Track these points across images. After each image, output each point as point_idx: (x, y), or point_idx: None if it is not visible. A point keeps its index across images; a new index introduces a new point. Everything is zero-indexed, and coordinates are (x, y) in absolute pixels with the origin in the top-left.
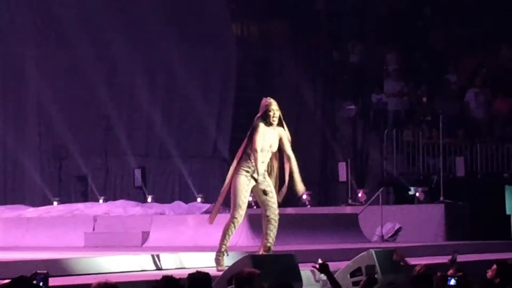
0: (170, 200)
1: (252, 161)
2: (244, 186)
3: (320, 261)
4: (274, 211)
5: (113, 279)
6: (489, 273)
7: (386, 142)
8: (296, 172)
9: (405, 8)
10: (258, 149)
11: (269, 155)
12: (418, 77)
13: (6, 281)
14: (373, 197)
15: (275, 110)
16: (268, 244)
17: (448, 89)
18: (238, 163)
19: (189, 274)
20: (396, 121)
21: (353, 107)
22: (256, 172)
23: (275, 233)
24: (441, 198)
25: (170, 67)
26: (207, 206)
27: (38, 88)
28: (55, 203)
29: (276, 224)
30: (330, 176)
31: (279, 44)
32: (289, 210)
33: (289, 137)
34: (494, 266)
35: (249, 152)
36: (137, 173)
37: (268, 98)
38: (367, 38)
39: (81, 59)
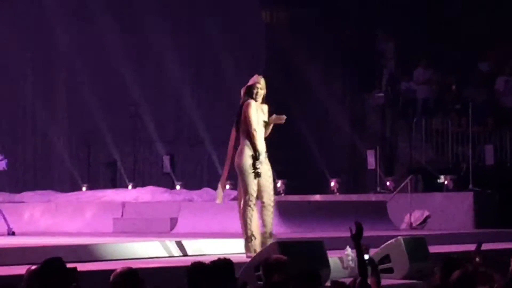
0: (198, 187)
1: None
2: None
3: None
4: (270, 197)
5: (141, 264)
6: None
7: (414, 130)
8: None
9: None
10: (255, 127)
11: (263, 131)
12: (447, 65)
13: (34, 266)
14: (402, 185)
15: (259, 88)
16: (269, 231)
17: (477, 77)
18: (242, 144)
19: (212, 261)
20: (425, 109)
21: (382, 94)
22: (257, 152)
23: (272, 217)
24: (470, 187)
25: (199, 53)
26: (235, 193)
27: (68, 72)
28: (84, 188)
29: (272, 210)
30: (359, 163)
31: (308, 31)
32: (318, 197)
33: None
34: None
35: (247, 132)
36: (166, 159)
37: (260, 76)
38: (397, 26)
39: (111, 44)
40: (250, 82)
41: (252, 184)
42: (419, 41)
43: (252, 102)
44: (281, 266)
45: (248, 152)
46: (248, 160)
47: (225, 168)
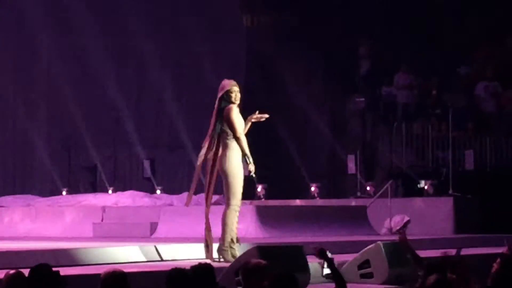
0: (179, 191)
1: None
2: (241, 171)
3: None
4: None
5: (121, 269)
6: (494, 267)
7: (395, 135)
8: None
9: None
10: (242, 131)
11: None
12: (428, 69)
13: (12, 271)
14: (382, 190)
15: (237, 92)
16: (237, 236)
17: (457, 82)
18: (227, 149)
19: (192, 266)
20: (406, 114)
21: (362, 99)
22: (245, 156)
23: None
24: (450, 191)
25: (180, 58)
26: (216, 197)
27: (48, 76)
28: (64, 193)
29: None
30: (339, 168)
31: (288, 36)
32: (298, 202)
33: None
34: (498, 260)
35: (235, 137)
36: (146, 164)
37: (231, 80)
38: (378, 29)
39: (92, 48)
40: (227, 87)
41: (240, 189)
42: (399, 45)
43: (234, 106)
44: (260, 271)
45: (235, 156)
46: (236, 164)
47: (197, 173)
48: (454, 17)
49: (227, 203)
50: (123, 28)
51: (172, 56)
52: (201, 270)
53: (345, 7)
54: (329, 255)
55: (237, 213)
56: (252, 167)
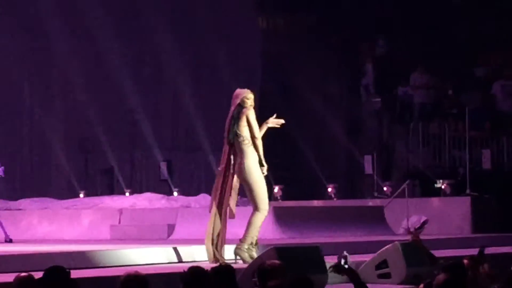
0: (196, 193)
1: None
2: (261, 175)
3: (344, 255)
4: None
5: (139, 271)
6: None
7: (412, 135)
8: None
9: None
10: (259, 134)
11: None
12: (444, 70)
13: (23, 274)
14: (399, 190)
15: (252, 99)
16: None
17: (473, 82)
18: (244, 156)
19: (212, 268)
20: (422, 114)
21: (378, 99)
22: (260, 160)
23: None
24: (467, 191)
25: (196, 59)
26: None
27: (65, 79)
28: (81, 195)
29: None
30: (356, 169)
31: (304, 37)
32: (315, 203)
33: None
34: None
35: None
36: (163, 166)
37: (245, 89)
38: (394, 29)
39: (109, 50)
40: (243, 93)
41: (265, 192)
42: (415, 45)
43: (252, 109)
44: (276, 272)
45: (253, 162)
46: (256, 170)
47: (228, 184)
48: (470, 18)
49: (256, 207)
50: (139, 30)
51: (189, 58)
52: (222, 272)
53: (361, 7)
54: (346, 254)
55: (264, 217)
56: (264, 169)
